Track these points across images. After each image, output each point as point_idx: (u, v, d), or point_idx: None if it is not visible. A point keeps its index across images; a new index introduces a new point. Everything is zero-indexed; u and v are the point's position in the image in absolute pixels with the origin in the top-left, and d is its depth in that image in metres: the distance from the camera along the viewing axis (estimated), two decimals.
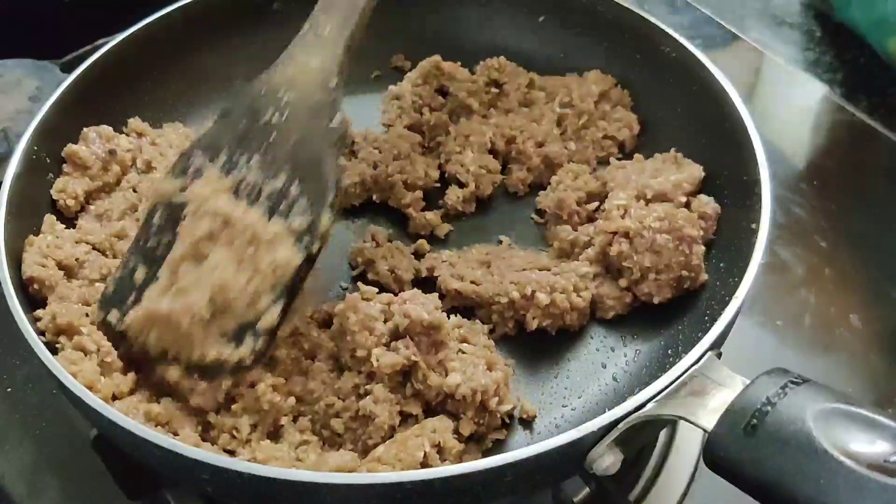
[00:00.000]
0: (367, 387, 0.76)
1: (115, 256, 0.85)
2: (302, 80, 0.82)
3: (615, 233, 0.85)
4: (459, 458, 0.74)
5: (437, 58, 1.05)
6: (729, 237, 0.84)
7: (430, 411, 0.77)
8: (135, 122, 1.00)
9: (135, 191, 0.93)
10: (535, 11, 1.08)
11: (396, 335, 0.77)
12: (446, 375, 0.75)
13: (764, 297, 1.02)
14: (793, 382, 0.61)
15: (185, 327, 0.70)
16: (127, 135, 0.99)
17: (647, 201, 0.87)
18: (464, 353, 0.78)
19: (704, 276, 0.83)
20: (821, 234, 1.09)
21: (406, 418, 0.76)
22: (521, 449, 0.64)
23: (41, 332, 0.75)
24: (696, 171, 0.91)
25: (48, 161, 0.90)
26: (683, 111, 0.96)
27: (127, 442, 0.69)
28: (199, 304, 0.70)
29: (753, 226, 0.79)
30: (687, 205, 0.87)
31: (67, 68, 0.97)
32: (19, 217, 0.83)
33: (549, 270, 0.86)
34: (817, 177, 1.16)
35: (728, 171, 0.88)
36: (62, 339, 0.75)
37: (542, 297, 0.81)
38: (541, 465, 0.64)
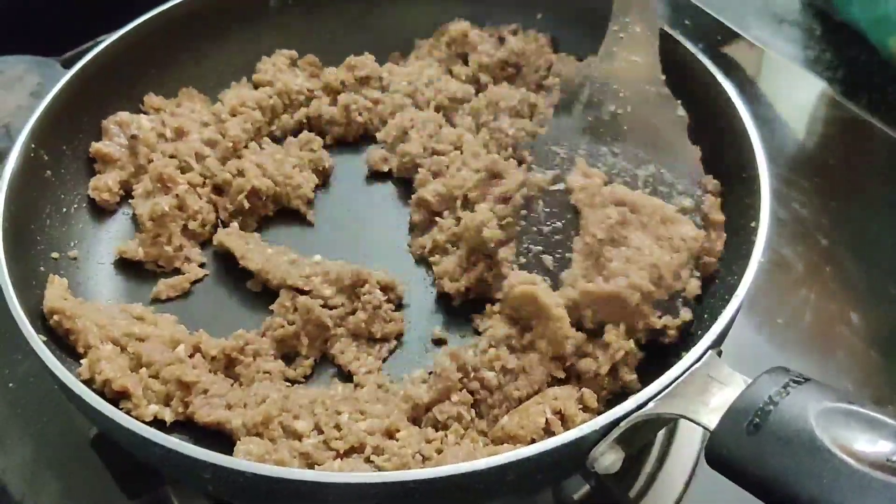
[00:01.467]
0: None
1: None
2: (631, 76, 0.89)
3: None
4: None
5: (464, 24, 1.08)
6: (729, 235, 0.84)
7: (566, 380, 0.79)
8: (150, 99, 1.02)
9: (173, 157, 0.96)
10: (533, 6, 1.08)
11: None
12: None
13: (765, 296, 1.01)
14: (794, 381, 0.61)
15: (635, 302, 0.76)
16: (146, 112, 1.01)
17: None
18: None
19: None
20: (821, 231, 1.08)
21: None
22: (523, 448, 0.64)
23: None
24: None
25: (46, 158, 0.90)
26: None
27: (127, 441, 0.69)
28: (644, 281, 0.76)
29: (753, 224, 0.79)
30: None
31: (68, 64, 0.97)
32: (17, 215, 0.83)
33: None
34: (818, 174, 1.16)
35: (727, 169, 0.88)
36: (123, 401, 0.76)
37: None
38: (542, 463, 0.64)
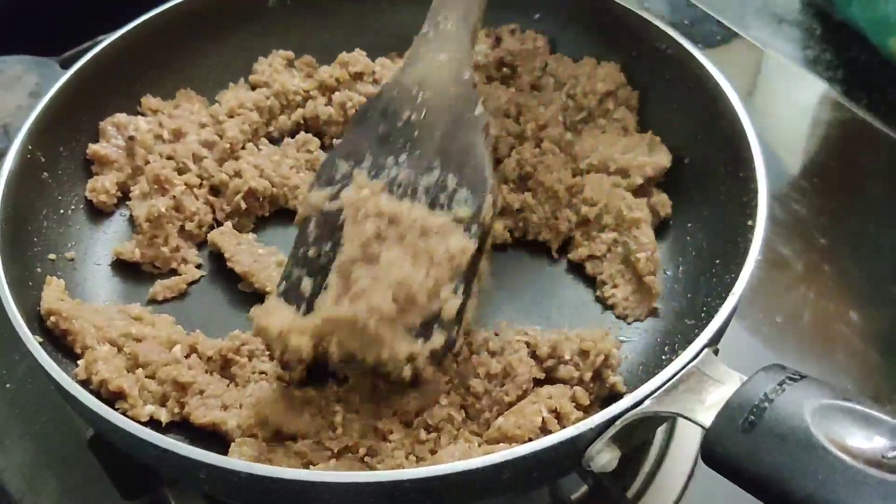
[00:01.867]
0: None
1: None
2: (434, 77, 0.82)
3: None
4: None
5: None
6: (726, 233, 0.84)
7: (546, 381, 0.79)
8: (147, 101, 1.02)
9: (171, 158, 0.96)
10: (530, 6, 1.08)
11: None
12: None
13: (763, 294, 1.01)
14: (790, 378, 0.61)
15: (373, 328, 0.69)
16: (143, 114, 1.01)
17: (609, 174, 0.91)
18: None
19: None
20: (820, 231, 1.08)
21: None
22: (519, 446, 0.64)
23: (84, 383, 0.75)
24: (663, 159, 0.93)
25: (43, 160, 0.90)
26: (680, 108, 0.96)
27: (123, 442, 0.69)
28: (385, 302, 0.69)
29: (750, 222, 0.79)
30: (641, 187, 0.91)
31: (67, 64, 0.97)
32: (14, 216, 0.83)
33: None
34: (817, 174, 1.16)
35: (724, 168, 0.88)
36: (119, 402, 0.76)
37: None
38: (538, 462, 0.64)
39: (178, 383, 0.76)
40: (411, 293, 0.70)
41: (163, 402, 0.77)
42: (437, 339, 0.72)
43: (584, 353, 0.78)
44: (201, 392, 0.77)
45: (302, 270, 0.76)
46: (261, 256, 0.90)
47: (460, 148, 0.78)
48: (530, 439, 0.70)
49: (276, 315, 0.72)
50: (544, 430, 0.72)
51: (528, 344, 0.79)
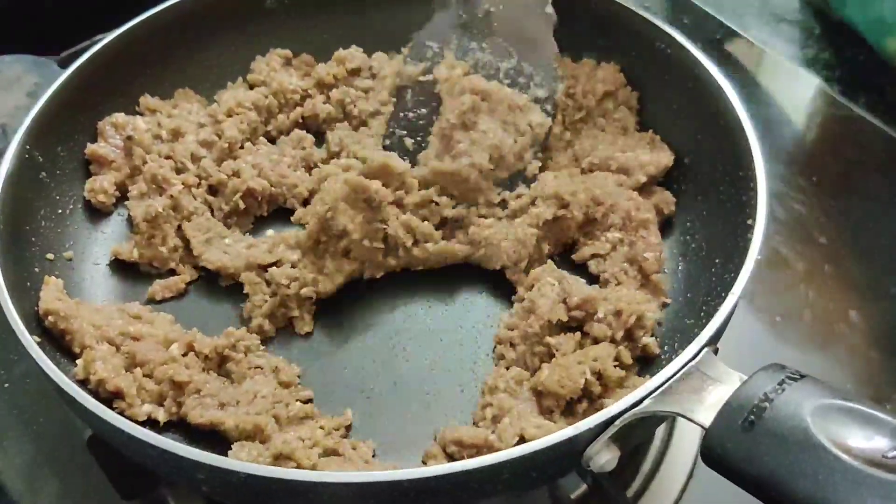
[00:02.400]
0: None
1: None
2: None
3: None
4: (620, 385, 0.77)
5: None
6: (725, 233, 0.84)
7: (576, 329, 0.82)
8: (146, 100, 1.02)
9: (169, 158, 0.96)
10: None
11: None
12: None
13: (762, 293, 1.01)
14: (790, 378, 0.61)
15: (474, 180, 0.88)
16: (141, 114, 1.01)
17: (612, 172, 0.93)
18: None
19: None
20: (820, 229, 1.08)
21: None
22: (517, 447, 0.64)
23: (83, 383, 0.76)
24: (664, 158, 0.94)
25: (41, 160, 0.90)
26: (680, 108, 0.96)
27: (122, 443, 0.69)
28: (483, 160, 0.88)
29: (749, 221, 0.79)
30: (644, 186, 0.92)
31: (65, 64, 0.97)
32: (12, 216, 0.83)
33: None
34: (816, 173, 1.16)
35: (724, 167, 0.88)
36: (117, 401, 0.76)
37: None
38: (537, 462, 0.64)
39: (176, 382, 0.76)
40: (503, 155, 0.89)
41: (160, 401, 0.77)
42: (523, 189, 0.91)
43: (617, 313, 0.79)
44: (198, 391, 0.77)
45: (403, 131, 0.96)
46: (228, 246, 0.91)
47: (533, 39, 0.93)
48: (571, 399, 0.76)
49: (396, 158, 0.88)
50: (585, 392, 0.75)
51: (562, 289, 0.83)
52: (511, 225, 0.89)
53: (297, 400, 0.79)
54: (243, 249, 0.90)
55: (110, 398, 0.75)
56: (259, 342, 0.84)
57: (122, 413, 0.72)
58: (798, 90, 1.29)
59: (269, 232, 0.95)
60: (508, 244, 0.87)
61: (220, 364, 0.81)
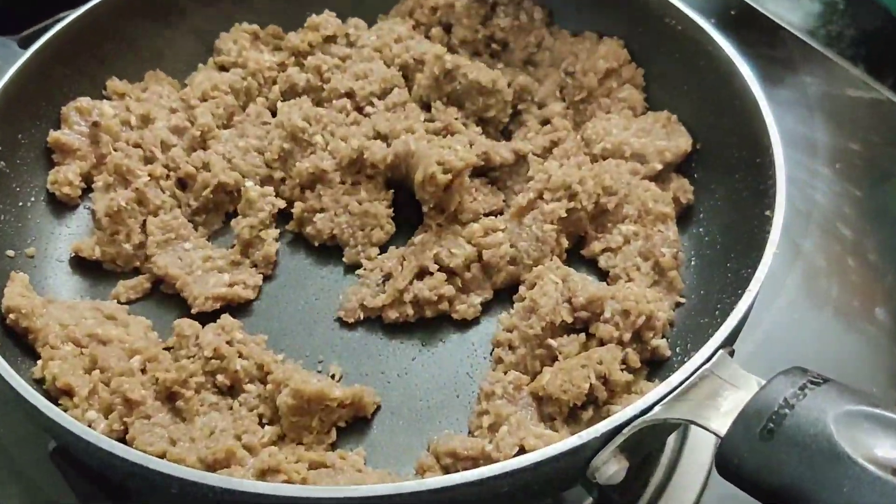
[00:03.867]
0: None
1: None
2: None
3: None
4: (628, 390, 0.76)
5: None
6: (741, 225, 0.84)
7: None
8: (113, 84, 1.01)
9: (138, 146, 0.96)
10: None
11: None
12: None
13: (781, 290, 1.01)
14: (812, 382, 0.61)
15: None
16: (108, 98, 1.01)
17: (626, 159, 0.92)
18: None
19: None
20: (843, 221, 1.08)
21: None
22: (516, 458, 0.63)
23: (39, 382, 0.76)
24: (683, 143, 0.93)
25: (0, 148, 0.90)
26: (690, 89, 0.96)
27: (89, 454, 0.68)
28: None
29: (767, 212, 0.79)
30: (659, 175, 0.92)
31: (25, 44, 0.96)
32: None
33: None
34: (840, 160, 1.15)
35: (739, 153, 0.87)
36: (63, 399, 0.76)
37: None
38: (540, 474, 0.64)
39: (127, 399, 0.76)
40: None
41: (107, 412, 0.76)
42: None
43: (625, 313, 0.79)
44: (147, 417, 0.76)
45: None
46: (185, 254, 0.90)
47: None
48: (575, 405, 0.75)
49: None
50: (590, 398, 0.75)
51: (566, 288, 0.82)
52: (520, 226, 0.88)
53: (265, 423, 0.79)
54: (198, 265, 0.90)
55: (57, 396, 0.75)
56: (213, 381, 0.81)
57: (65, 412, 0.71)
58: (819, 69, 1.28)
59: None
60: (527, 246, 0.87)
61: (168, 398, 0.79)
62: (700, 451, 0.88)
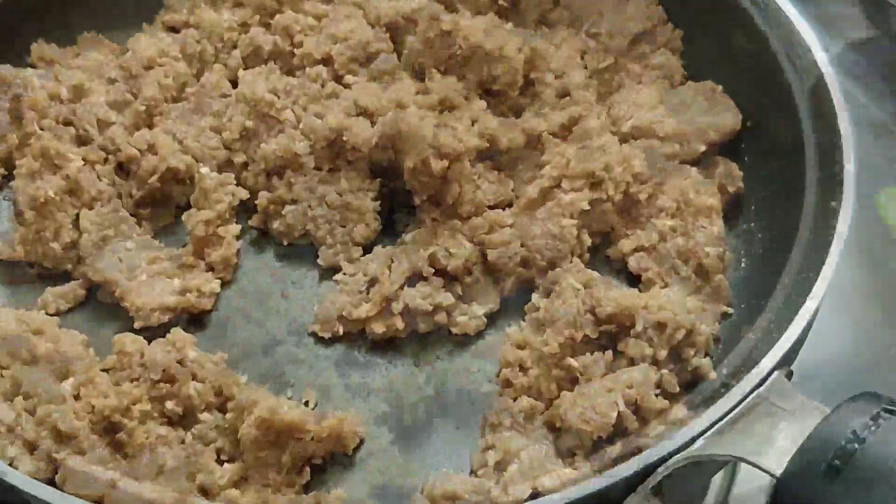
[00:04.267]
0: None
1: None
2: None
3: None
4: (663, 421, 0.75)
5: None
6: (798, 220, 0.83)
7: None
8: (39, 49, 1.02)
9: (69, 124, 0.96)
10: None
11: None
12: None
13: (848, 299, 1.01)
14: (887, 411, 0.61)
15: None
16: (33, 66, 1.01)
17: (661, 139, 0.93)
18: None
19: None
20: None
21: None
22: (531, 502, 0.63)
23: None
24: (730, 120, 0.94)
25: None
26: (738, 54, 0.96)
27: (11, 498, 0.68)
28: None
29: (833, 203, 0.79)
30: (702, 158, 0.93)
31: None
32: None
33: None
34: None
35: (797, 134, 0.87)
36: None
37: None
38: None
39: (58, 431, 0.76)
40: None
41: (32, 448, 0.76)
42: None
43: (660, 326, 0.78)
44: (82, 453, 0.76)
45: None
46: (127, 254, 0.91)
47: None
48: (599, 438, 0.74)
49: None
50: (617, 429, 0.74)
51: (590, 296, 0.82)
52: (533, 220, 0.89)
53: (225, 460, 0.79)
54: (143, 269, 0.90)
55: None
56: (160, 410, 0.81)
57: None
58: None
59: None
60: (541, 245, 0.87)
61: (107, 430, 0.79)
62: (751, 495, 0.89)
